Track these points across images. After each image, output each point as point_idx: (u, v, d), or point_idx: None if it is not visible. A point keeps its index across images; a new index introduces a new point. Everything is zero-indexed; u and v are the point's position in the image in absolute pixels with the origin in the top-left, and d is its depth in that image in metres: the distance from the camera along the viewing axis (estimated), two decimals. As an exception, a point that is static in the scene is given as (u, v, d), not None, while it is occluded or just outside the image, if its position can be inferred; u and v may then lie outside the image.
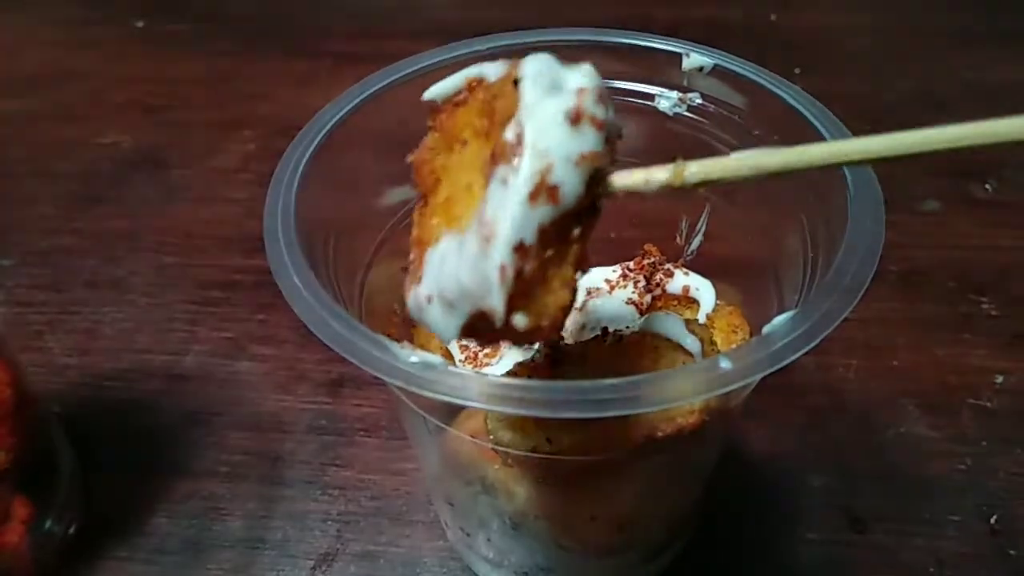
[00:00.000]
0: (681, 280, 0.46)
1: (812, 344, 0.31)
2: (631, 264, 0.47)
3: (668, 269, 0.47)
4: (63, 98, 1.07)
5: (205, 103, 1.05)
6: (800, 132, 0.43)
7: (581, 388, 0.30)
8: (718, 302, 0.45)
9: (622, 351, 0.38)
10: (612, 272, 0.47)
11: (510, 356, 0.46)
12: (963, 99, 1.00)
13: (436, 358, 0.32)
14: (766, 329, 0.32)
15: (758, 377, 0.31)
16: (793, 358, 0.31)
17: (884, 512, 0.60)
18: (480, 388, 0.31)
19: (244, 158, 0.95)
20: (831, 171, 0.40)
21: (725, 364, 0.30)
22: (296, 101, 1.02)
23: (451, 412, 0.42)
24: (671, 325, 0.39)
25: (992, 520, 0.59)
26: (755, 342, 0.32)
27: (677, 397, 0.31)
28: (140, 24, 1.22)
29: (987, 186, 0.87)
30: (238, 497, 0.62)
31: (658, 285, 0.46)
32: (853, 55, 1.10)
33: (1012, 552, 0.57)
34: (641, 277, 0.46)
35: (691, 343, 0.38)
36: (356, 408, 0.68)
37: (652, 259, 0.47)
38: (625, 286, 0.46)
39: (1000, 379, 0.68)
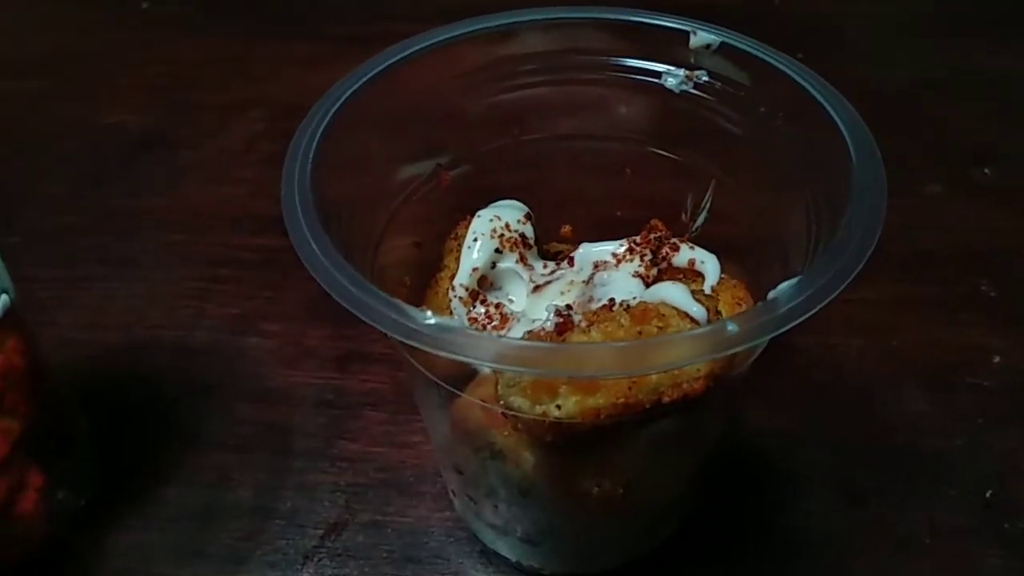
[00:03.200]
0: (687, 254, 0.47)
1: (816, 308, 0.32)
2: (637, 238, 0.48)
3: (674, 243, 0.47)
4: (70, 79, 1.08)
5: (211, 84, 1.05)
6: (805, 110, 0.44)
7: (592, 350, 0.31)
8: (723, 276, 0.46)
9: (628, 319, 0.39)
10: (619, 246, 0.48)
11: (519, 327, 0.47)
12: (961, 83, 1.01)
13: (453, 320, 0.33)
14: (771, 295, 0.33)
15: (763, 340, 0.32)
16: (797, 322, 0.32)
17: (882, 486, 0.61)
18: (496, 349, 0.32)
19: (251, 139, 0.96)
20: (834, 147, 0.41)
21: (732, 327, 0.31)
22: (302, 82, 1.02)
23: (463, 378, 0.44)
24: (677, 294, 0.40)
25: (987, 494, 0.60)
26: (760, 306, 0.33)
27: (684, 359, 0.32)
28: (146, 5, 1.22)
29: (987, 171, 0.88)
30: (248, 468, 0.63)
31: (664, 259, 0.47)
32: (854, 41, 1.11)
33: (1006, 525, 0.58)
34: (647, 251, 0.47)
35: (697, 311, 0.39)
36: (363, 383, 0.69)
37: (658, 233, 0.48)
38: (632, 259, 0.47)
39: (997, 359, 0.69)
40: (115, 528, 0.59)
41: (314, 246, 0.36)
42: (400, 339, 0.33)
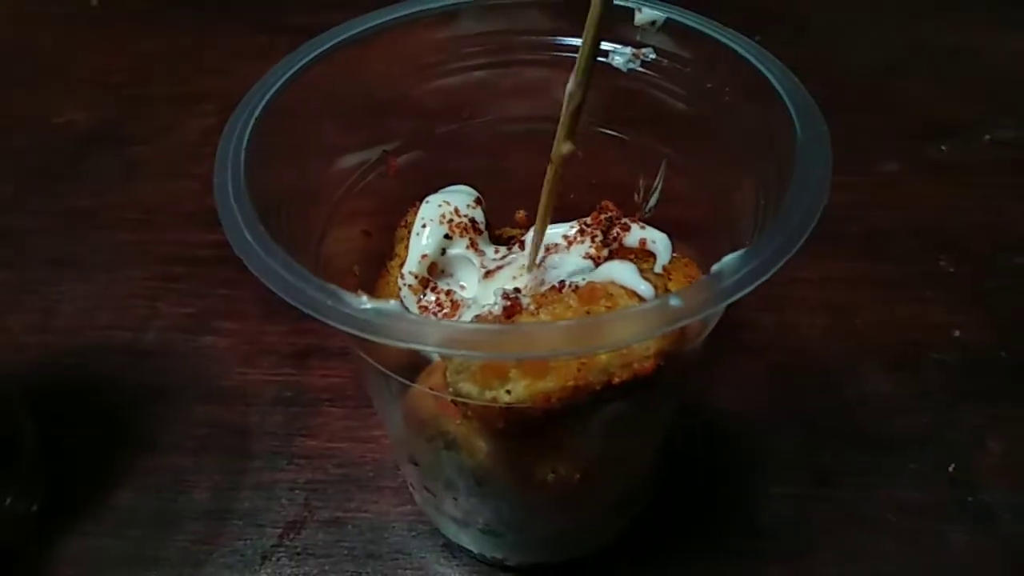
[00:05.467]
0: (638, 234, 0.46)
1: (760, 280, 0.31)
2: (588, 220, 0.47)
3: (624, 223, 0.47)
4: (20, 75, 1.05)
5: (165, 78, 1.03)
6: (751, 81, 0.43)
7: (534, 329, 0.30)
8: (674, 255, 0.46)
9: (576, 300, 0.38)
10: (569, 228, 0.47)
11: (469, 314, 0.46)
12: (918, 63, 1.02)
13: (391, 304, 0.32)
14: (715, 267, 0.32)
15: (709, 313, 0.31)
16: (742, 294, 0.31)
17: (846, 465, 0.61)
18: (435, 333, 0.31)
19: (205, 132, 0.94)
20: (780, 119, 0.40)
21: (675, 301, 0.30)
22: (258, 75, 1.00)
23: (414, 368, 0.42)
24: (624, 272, 0.39)
25: (951, 469, 0.60)
26: (704, 279, 0.32)
27: (632, 336, 0.31)
28: (95, 0, 1.19)
29: (944, 148, 0.88)
30: (204, 470, 0.62)
31: (615, 239, 0.46)
32: (813, 21, 1.11)
33: (970, 499, 0.58)
34: (598, 232, 0.46)
35: (645, 289, 0.38)
36: (322, 379, 0.68)
37: (609, 214, 0.47)
38: (583, 241, 0.46)
39: (958, 334, 0.69)
40: (67, 535, 0.58)
41: (246, 233, 0.35)
42: (336, 326, 0.32)
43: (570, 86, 0.36)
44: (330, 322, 0.31)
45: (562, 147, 0.39)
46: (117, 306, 0.74)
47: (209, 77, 1.03)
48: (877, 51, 1.04)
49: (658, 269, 0.44)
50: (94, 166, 0.90)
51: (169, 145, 0.93)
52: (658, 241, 0.45)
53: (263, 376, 0.68)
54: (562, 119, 0.37)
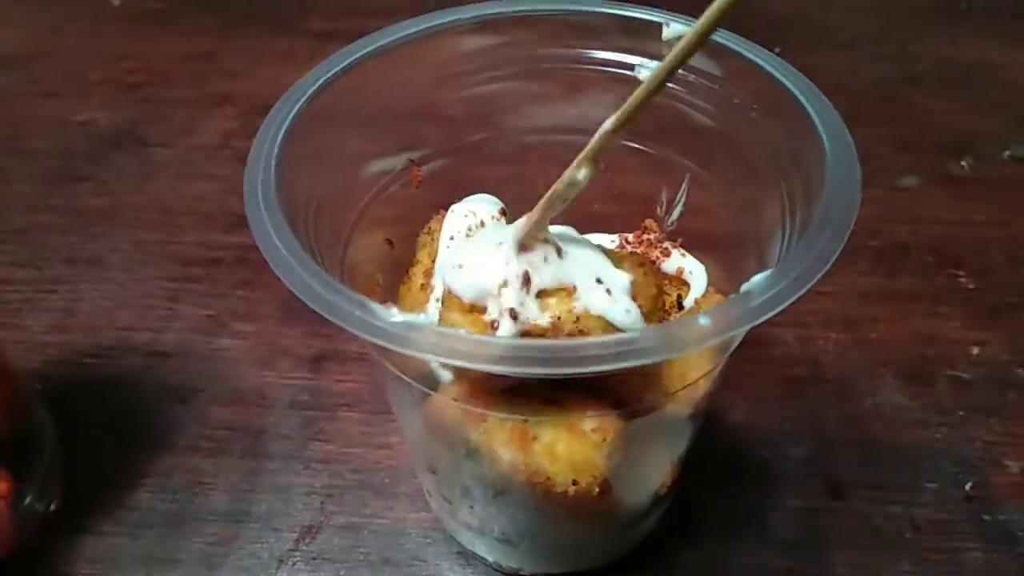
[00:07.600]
0: (677, 261, 0.46)
1: (789, 302, 0.32)
2: (630, 236, 0.48)
3: (666, 248, 0.47)
4: (40, 75, 1.06)
5: (185, 80, 1.04)
6: (779, 99, 0.43)
7: (565, 346, 0.31)
8: (708, 288, 0.46)
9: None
10: (611, 242, 0.47)
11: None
12: (938, 77, 1.01)
13: (420, 318, 0.32)
14: (744, 287, 0.32)
15: (736, 332, 0.31)
16: (770, 315, 0.31)
17: (862, 479, 0.60)
18: (463, 345, 0.31)
19: (225, 135, 0.94)
20: (807, 137, 0.40)
21: (704, 321, 0.31)
22: (277, 78, 0.99)
23: (436, 377, 0.43)
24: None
25: (967, 487, 0.60)
26: (733, 299, 0.32)
27: (654, 356, 0.31)
28: (116, 1, 1.20)
29: (963, 163, 0.88)
30: (221, 471, 0.62)
31: (653, 262, 0.46)
32: (832, 33, 1.11)
33: (987, 517, 0.58)
34: (638, 251, 0.46)
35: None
36: (338, 383, 0.68)
37: (651, 235, 0.47)
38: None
39: (976, 350, 0.69)
40: (84, 534, 0.58)
41: (277, 242, 0.35)
42: (365, 337, 0.32)
43: (608, 124, 0.34)
44: (360, 334, 0.32)
45: (576, 172, 0.36)
46: (136, 306, 0.75)
47: (228, 80, 1.03)
48: (896, 64, 1.04)
49: (690, 301, 0.44)
50: (113, 166, 0.91)
51: (189, 146, 0.93)
52: (695, 272, 0.45)
53: (280, 379, 0.69)
54: (592, 144, 0.35)
